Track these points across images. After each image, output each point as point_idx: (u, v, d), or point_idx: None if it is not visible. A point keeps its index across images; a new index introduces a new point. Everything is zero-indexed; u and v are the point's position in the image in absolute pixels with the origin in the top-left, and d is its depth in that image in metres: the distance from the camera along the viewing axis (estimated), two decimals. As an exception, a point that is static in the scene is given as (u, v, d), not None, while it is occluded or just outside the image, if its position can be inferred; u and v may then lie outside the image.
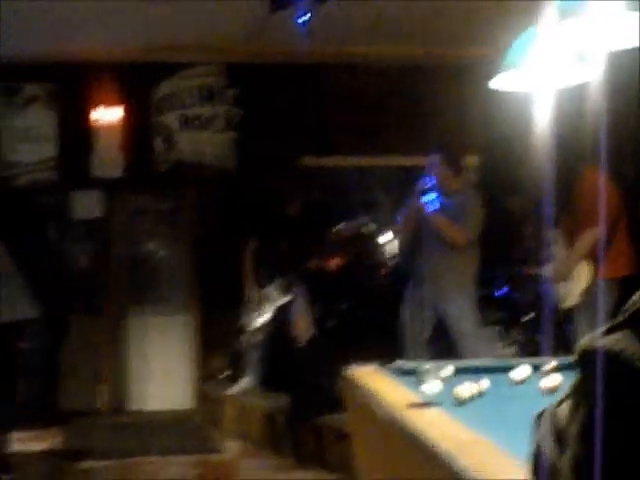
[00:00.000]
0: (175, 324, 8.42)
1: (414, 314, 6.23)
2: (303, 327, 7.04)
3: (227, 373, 7.91)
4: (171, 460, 6.48)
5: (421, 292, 6.16)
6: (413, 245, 6.39)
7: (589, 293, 5.50)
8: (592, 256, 5.50)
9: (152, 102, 8.10)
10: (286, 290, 7.09)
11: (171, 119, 8.04)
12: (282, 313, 7.12)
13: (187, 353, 8.36)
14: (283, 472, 6.06)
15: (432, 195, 6.15)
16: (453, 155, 6.45)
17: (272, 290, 7.11)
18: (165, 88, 8.04)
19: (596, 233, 5.43)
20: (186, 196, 8.31)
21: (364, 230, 7.73)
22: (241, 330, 7.42)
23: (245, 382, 7.29)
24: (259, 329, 7.15)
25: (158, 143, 8.10)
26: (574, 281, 5.57)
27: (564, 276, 5.64)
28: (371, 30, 7.27)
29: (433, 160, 6.23)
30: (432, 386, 2.76)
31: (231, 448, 6.80)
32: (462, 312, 6.17)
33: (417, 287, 6.25)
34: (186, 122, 8.02)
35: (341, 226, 7.43)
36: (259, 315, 7.14)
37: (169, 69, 7.98)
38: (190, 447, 6.86)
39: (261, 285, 7.18)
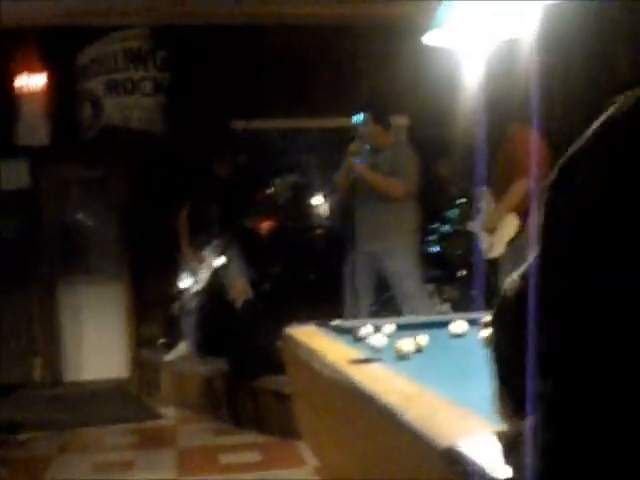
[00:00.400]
0: (108, 293, 8.33)
1: (357, 274, 6.23)
2: (240, 289, 7.03)
3: (163, 340, 7.87)
4: (109, 429, 6.45)
5: (362, 252, 6.15)
6: (351, 205, 6.37)
7: (514, 245, 5.58)
8: (519, 209, 5.57)
9: (77, 67, 7.94)
10: (221, 252, 7.06)
11: (97, 84, 7.89)
12: (217, 276, 7.10)
13: (121, 321, 8.30)
14: (222, 436, 6.08)
15: (363, 153, 6.14)
16: (381, 111, 6.44)
17: (207, 253, 7.08)
18: (90, 53, 7.88)
19: (525, 185, 5.50)
20: (115, 163, 8.19)
21: (294, 185, 7.69)
22: (176, 295, 7.38)
23: (181, 348, 7.26)
24: (196, 293, 7.12)
25: (85, 109, 7.96)
26: (500, 232, 5.64)
27: (491, 227, 5.70)
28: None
29: (361, 117, 6.21)
30: (377, 339, 2.82)
31: (169, 414, 6.80)
32: (405, 270, 6.15)
33: (358, 247, 6.23)
34: (113, 87, 7.88)
35: (274, 183, 7.38)
36: (195, 279, 7.11)
37: (94, 33, 7.81)
38: (128, 415, 6.83)
39: (195, 248, 7.14)
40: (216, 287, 7.10)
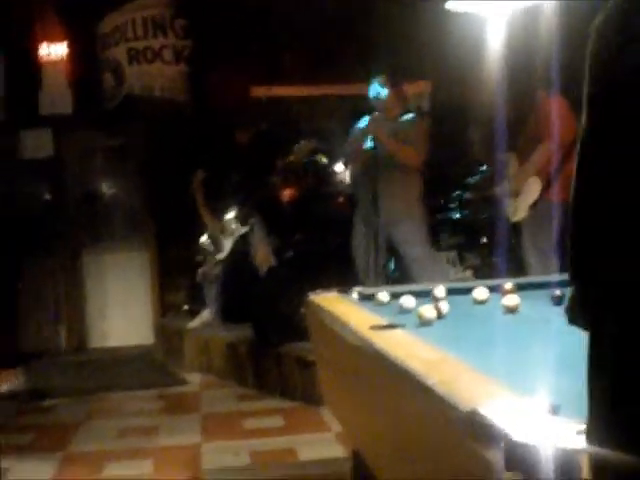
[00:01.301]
0: (131, 260, 8.40)
1: (364, 241, 6.27)
2: (263, 257, 7.05)
3: (186, 307, 7.93)
4: (134, 395, 6.53)
5: (368, 219, 6.19)
6: (363, 173, 6.38)
7: (537, 208, 5.59)
8: (543, 173, 5.57)
9: (99, 36, 7.94)
10: (243, 221, 7.09)
11: (118, 53, 7.89)
12: (240, 243, 7.13)
13: (145, 288, 8.36)
14: (245, 401, 6.13)
15: (380, 118, 6.14)
16: (393, 75, 6.43)
17: (230, 221, 7.11)
18: (111, 21, 7.88)
19: (549, 149, 5.49)
20: (137, 131, 8.22)
21: (314, 150, 7.65)
22: (200, 263, 7.43)
23: (205, 315, 7.32)
24: (220, 261, 7.16)
25: (107, 78, 7.97)
26: (524, 195, 5.65)
27: (516, 190, 5.71)
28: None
29: (377, 84, 6.21)
30: (407, 300, 2.89)
31: (193, 380, 6.86)
32: (408, 236, 6.20)
33: (364, 214, 6.28)
34: (134, 56, 7.87)
35: (294, 150, 7.35)
36: (218, 247, 7.14)
37: (115, 1, 7.80)
38: (152, 381, 6.90)
39: (217, 217, 7.16)
40: (239, 254, 7.13)
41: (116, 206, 8.56)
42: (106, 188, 8.62)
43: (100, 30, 7.94)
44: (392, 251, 6.39)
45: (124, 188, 8.55)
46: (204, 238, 7.31)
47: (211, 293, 7.30)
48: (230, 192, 7.12)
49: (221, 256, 7.17)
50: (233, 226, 7.11)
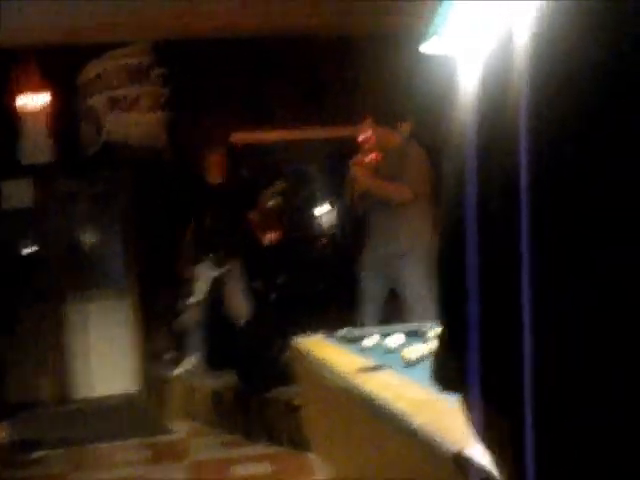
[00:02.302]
0: (115, 308, 8.35)
1: (372, 280, 6.07)
2: (238, 305, 7.03)
3: (171, 354, 7.88)
4: (121, 445, 6.46)
5: (375, 256, 6.00)
6: (364, 210, 6.21)
7: None
8: None
9: (79, 85, 7.97)
10: (218, 264, 7.07)
11: (98, 101, 7.92)
12: (218, 290, 7.10)
13: (129, 336, 8.31)
14: (233, 448, 6.07)
15: (369, 158, 6.03)
16: (385, 116, 6.34)
17: (204, 266, 7.09)
18: (91, 70, 7.91)
19: None
20: (117, 178, 8.22)
21: (284, 192, 7.62)
22: (179, 310, 7.40)
23: (189, 362, 7.27)
24: (196, 306, 7.13)
25: (86, 126, 7.99)
26: None
27: None
28: (299, 2, 7.24)
29: (366, 124, 6.10)
30: (394, 340, 2.88)
31: (180, 428, 6.80)
32: (417, 274, 5.83)
33: (370, 252, 6.09)
34: (113, 104, 7.90)
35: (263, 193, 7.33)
36: (194, 292, 7.11)
37: (94, 50, 7.84)
38: (139, 430, 6.83)
39: (194, 262, 7.15)
40: (217, 301, 7.11)
41: (98, 254, 8.53)
42: (88, 236, 8.59)
43: (79, 79, 7.96)
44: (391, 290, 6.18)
45: (106, 236, 8.53)
46: (182, 287, 7.28)
47: (194, 340, 7.26)
48: (206, 236, 7.11)
49: (193, 300, 7.13)
50: (207, 270, 7.09)
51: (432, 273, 5.72)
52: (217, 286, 7.10)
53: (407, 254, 5.84)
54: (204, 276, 7.10)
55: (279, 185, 7.17)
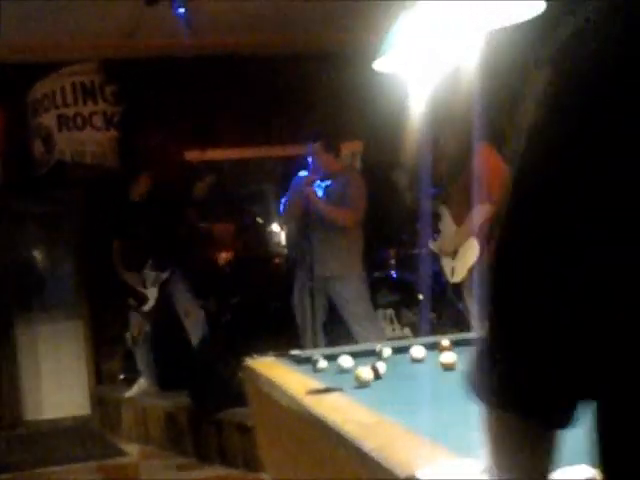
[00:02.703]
0: (66, 329, 8.23)
1: (305, 300, 6.23)
2: (189, 310, 7.02)
3: (122, 376, 7.78)
4: (72, 468, 6.36)
5: (310, 277, 6.15)
6: (301, 231, 6.38)
7: (475, 271, 5.57)
8: (480, 233, 5.57)
9: (28, 103, 7.88)
10: (162, 268, 7.06)
11: (48, 120, 7.83)
12: (168, 297, 7.09)
13: (80, 358, 8.19)
14: (185, 471, 6.01)
15: (314, 181, 6.16)
16: (331, 139, 6.45)
17: (148, 272, 7.06)
18: (40, 88, 7.81)
19: (487, 209, 5.50)
20: (68, 198, 8.12)
21: (214, 185, 7.63)
22: (130, 323, 7.34)
23: (142, 383, 7.18)
24: (147, 314, 7.08)
25: (37, 145, 7.89)
26: (462, 256, 5.61)
27: (453, 249, 5.69)
28: (248, 20, 7.24)
29: (312, 146, 6.21)
30: (345, 361, 2.89)
31: (132, 451, 6.72)
32: (352, 294, 6.16)
33: (306, 272, 6.24)
34: (64, 122, 7.82)
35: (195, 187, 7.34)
36: (145, 298, 7.07)
37: (44, 68, 7.75)
38: (90, 453, 6.75)
39: (135, 270, 7.12)
40: (165, 310, 7.08)
41: (48, 274, 8.41)
42: (37, 256, 8.47)
43: (30, 97, 7.87)
44: (331, 310, 6.34)
45: (56, 255, 8.41)
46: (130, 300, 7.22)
47: (144, 358, 7.18)
48: (139, 246, 7.10)
49: (147, 307, 7.08)
50: (153, 275, 7.05)
51: (366, 293, 5.78)
52: (165, 293, 7.09)
53: (341, 277, 6.06)
54: (150, 281, 7.06)
55: (209, 178, 7.21)
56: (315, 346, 5.62)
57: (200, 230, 7.71)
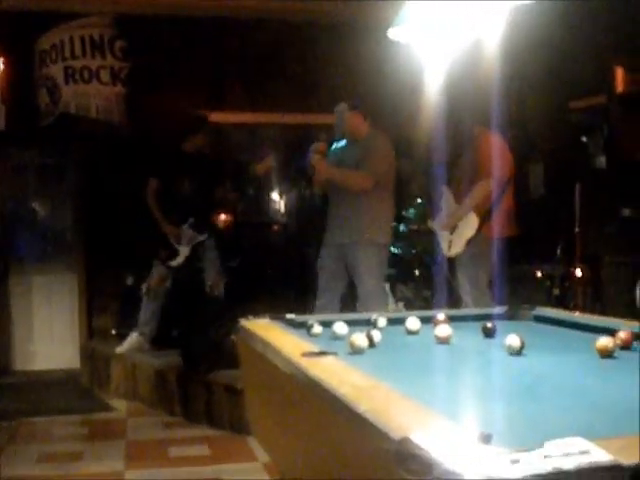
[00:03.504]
0: (60, 282, 8.25)
1: (324, 267, 6.07)
2: (215, 281, 7.03)
3: (114, 331, 7.80)
4: (58, 420, 6.38)
5: (331, 244, 6.01)
6: (325, 195, 6.21)
7: (473, 244, 5.64)
8: (480, 209, 5.63)
9: (36, 53, 7.83)
10: (200, 230, 7.05)
11: (55, 71, 7.79)
12: (192, 261, 7.08)
13: (73, 311, 8.21)
14: (172, 429, 6.03)
15: (324, 150, 5.99)
16: (360, 99, 6.35)
17: (187, 229, 7.04)
18: (49, 39, 7.77)
19: (487, 186, 5.56)
20: (72, 150, 8.10)
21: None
22: (131, 287, 7.31)
23: (133, 339, 7.18)
24: (174, 268, 7.07)
25: (42, 95, 7.85)
26: (461, 231, 5.68)
27: (453, 224, 5.74)
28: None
29: (341, 108, 5.97)
30: (340, 328, 2.88)
31: (120, 407, 6.74)
32: (368, 265, 5.93)
33: (327, 240, 6.08)
34: (70, 74, 7.78)
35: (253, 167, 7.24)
36: (177, 253, 7.06)
37: (54, 19, 7.71)
38: (78, 406, 6.77)
39: (174, 225, 7.07)
40: (191, 270, 7.07)
41: (47, 226, 8.40)
42: (38, 207, 8.46)
43: (37, 47, 7.82)
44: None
45: (56, 208, 8.40)
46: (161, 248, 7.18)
47: (149, 312, 7.15)
48: (184, 201, 7.06)
49: (175, 263, 7.07)
50: (190, 233, 7.04)
51: (386, 263, 5.75)
52: (197, 254, 7.09)
53: (360, 243, 5.88)
54: (186, 239, 7.05)
55: (269, 159, 7.13)
56: (323, 311, 5.59)
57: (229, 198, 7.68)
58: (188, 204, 7.05)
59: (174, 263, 7.07)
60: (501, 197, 5.71)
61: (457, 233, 5.71)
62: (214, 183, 7.24)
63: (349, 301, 6.25)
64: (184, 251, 7.06)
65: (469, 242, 5.64)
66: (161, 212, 7.06)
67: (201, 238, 7.08)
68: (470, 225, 5.64)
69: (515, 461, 1.16)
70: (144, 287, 7.18)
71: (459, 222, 5.70)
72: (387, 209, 6.08)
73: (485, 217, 5.63)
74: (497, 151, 5.60)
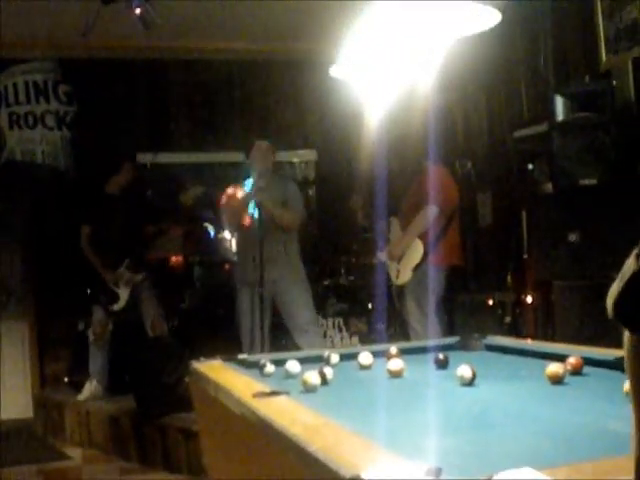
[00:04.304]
0: (10, 331, 8.11)
1: (249, 305, 6.20)
2: (156, 324, 6.97)
3: (67, 379, 7.69)
4: (13, 471, 6.25)
5: (253, 283, 6.10)
6: (245, 236, 6.37)
7: (420, 271, 5.72)
8: (424, 236, 5.73)
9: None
10: (136, 270, 7.00)
11: (1, 117, 7.73)
12: (133, 303, 7.02)
13: (24, 360, 8.08)
14: (129, 475, 5.95)
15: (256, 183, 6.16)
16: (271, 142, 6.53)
17: (124, 270, 6.98)
18: (-7, 85, 7.73)
19: (429, 214, 5.67)
20: (18, 197, 8.01)
21: (203, 195, 7.55)
22: (81, 332, 7.23)
23: (94, 386, 7.07)
24: (115, 312, 7.00)
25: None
26: (407, 258, 5.78)
27: (399, 253, 5.84)
28: (207, 25, 7.22)
29: (260, 145, 6.30)
30: (293, 366, 2.88)
31: (75, 455, 6.63)
32: (298, 300, 6.20)
33: (248, 278, 6.20)
34: (16, 120, 7.73)
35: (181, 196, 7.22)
36: (114, 298, 6.99)
37: (-3, 65, 7.67)
38: (32, 456, 6.64)
39: (111, 268, 7.01)
40: (130, 313, 7.00)
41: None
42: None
43: (-19, 94, 7.77)
44: (275, 315, 6.34)
45: (3, 256, 8.29)
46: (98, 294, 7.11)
47: (99, 359, 7.07)
48: (116, 243, 7.00)
49: (117, 307, 7.00)
50: (128, 275, 6.98)
51: (309, 299, 5.84)
52: (135, 295, 7.03)
53: (292, 282, 6.07)
54: (124, 281, 6.99)
55: (197, 188, 7.12)
56: (262, 351, 5.61)
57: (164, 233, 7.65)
58: (120, 245, 7.02)
59: (116, 307, 7.02)
60: (447, 227, 5.83)
61: (404, 262, 5.83)
62: (141, 220, 7.18)
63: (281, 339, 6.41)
64: (124, 294, 7.02)
65: (416, 269, 5.73)
66: (97, 257, 7.02)
67: (139, 278, 7.04)
68: (416, 252, 5.75)
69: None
70: (89, 335, 7.12)
71: (405, 250, 5.81)
72: (298, 247, 6.44)
73: (430, 245, 5.73)
74: (442, 182, 5.73)
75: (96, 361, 7.09)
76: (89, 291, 7.11)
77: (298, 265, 6.33)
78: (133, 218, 7.06)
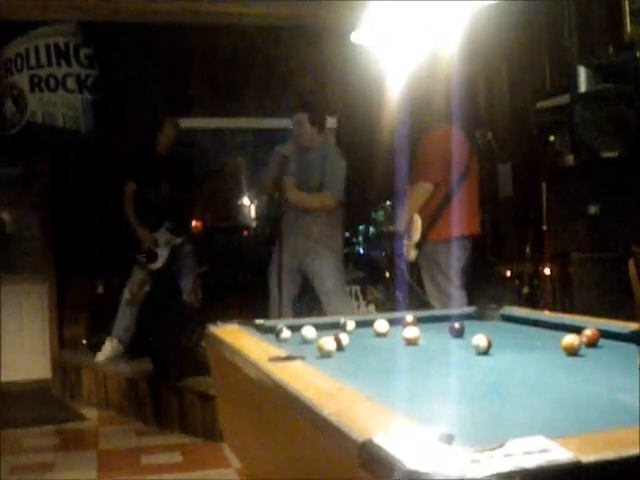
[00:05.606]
0: (30, 292, 8.18)
1: (281, 275, 6.13)
2: (193, 285, 7.02)
3: (85, 341, 7.75)
4: (30, 431, 6.33)
5: (288, 252, 6.04)
6: (279, 205, 6.27)
7: (423, 248, 5.59)
8: (422, 211, 5.56)
9: (1, 62, 7.77)
10: (175, 233, 7.03)
11: (21, 80, 7.73)
12: (170, 265, 7.06)
13: (43, 322, 8.15)
14: (144, 437, 6.01)
15: (292, 155, 6.02)
16: (318, 111, 6.33)
17: (163, 232, 7.01)
18: (14, 47, 7.71)
19: (423, 187, 5.51)
20: (38, 160, 8.04)
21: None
22: (100, 296, 7.27)
23: (114, 345, 7.12)
24: (154, 271, 7.03)
25: (8, 104, 7.79)
26: (412, 235, 5.63)
27: (405, 227, 5.71)
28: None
29: (297, 116, 6.08)
30: (308, 332, 2.91)
31: (92, 416, 6.70)
32: (329, 271, 6.08)
33: (283, 246, 6.12)
34: (36, 83, 7.73)
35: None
36: (155, 257, 7.02)
37: (20, 27, 7.65)
38: (49, 417, 6.72)
39: (149, 229, 7.04)
40: (168, 276, 7.05)
41: (15, 236, 8.33)
42: (5, 217, 8.39)
43: (2, 56, 7.77)
44: (305, 282, 6.27)
45: (23, 217, 8.34)
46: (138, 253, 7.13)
47: (127, 319, 7.11)
48: (160, 204, 7.02)
49: (155, 266, 7.03)
50: (167, 237, 7.01)
51: (340, 269, 5.78)
52: (174, 258, 7.07)
53: (317, 250, 5.97)
54: (163, 242, 7.03)
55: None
56: (282, 316, 5.61)
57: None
58: (164, 207, 7.03)
59: (154, 266, 7.04)
60: (456, 193, 5.56)
61: (409, 238, 5.67)
62: (190, 185, 7.22)
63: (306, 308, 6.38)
64: (163, 254, 7.04)
65: (417, 246, 5.59)
66: (136, 216, 7.04)
67: (178, 240, 7.07)
68: (416, 230, 5.57)
69: (476, 461, 1.17)
70: (126, 293, 7.13)
71: (409, 227, 5.65)
72: (339, 218, 6.23)
73: (429, 221, 5.56)
74: (427, 152, 5.54)
75: (123, 320, 7.12)
76: (125, 251, 7.11)
77: (331, 235, 6.14)
78: (181, 182, 7.08)
